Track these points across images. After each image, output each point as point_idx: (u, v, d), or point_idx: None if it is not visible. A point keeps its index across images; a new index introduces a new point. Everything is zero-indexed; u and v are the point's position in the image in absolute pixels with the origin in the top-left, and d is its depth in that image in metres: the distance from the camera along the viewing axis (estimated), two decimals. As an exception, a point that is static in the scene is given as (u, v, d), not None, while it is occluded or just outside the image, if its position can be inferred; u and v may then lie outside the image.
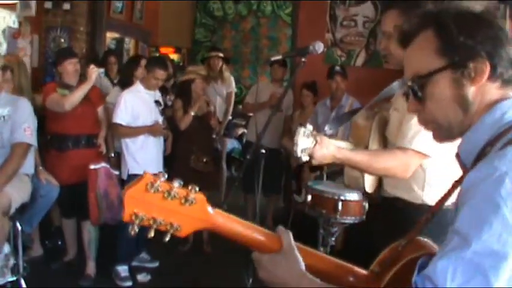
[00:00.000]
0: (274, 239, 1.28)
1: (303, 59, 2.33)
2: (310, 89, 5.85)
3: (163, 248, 5.23)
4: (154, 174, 1.13)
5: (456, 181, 1.24)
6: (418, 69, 1.18)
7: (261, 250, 1.27)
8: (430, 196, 2.19)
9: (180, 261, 5.04)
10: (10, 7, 6.06)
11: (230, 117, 6.85)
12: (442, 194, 2.17)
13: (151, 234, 1.16)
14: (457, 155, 1.21)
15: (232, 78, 6.68)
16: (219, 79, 6.29)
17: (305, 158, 1.92)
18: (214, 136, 5.43)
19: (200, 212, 1.17)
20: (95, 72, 4.28)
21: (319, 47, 2.30)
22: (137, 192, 1.11)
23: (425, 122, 1.24)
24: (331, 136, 2.07)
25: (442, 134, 1.22)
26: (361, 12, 6.80)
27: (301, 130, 1.89)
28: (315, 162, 1.96)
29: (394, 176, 2.15)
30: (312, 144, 1.91)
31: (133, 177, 4.67)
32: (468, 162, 1.14)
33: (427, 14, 1.22)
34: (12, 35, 6.09)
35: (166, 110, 5.12)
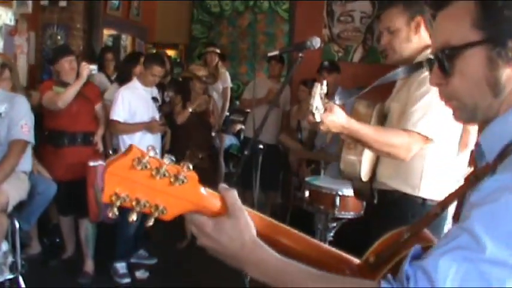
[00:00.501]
0: (216, 200, 1.08)
1: (300, 55, 2.33)
2: (308, 85, 5.85)
3: (162, 244, 5.25)
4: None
5: (469, 176, 1.12)
6: (450, 39, 1.05)
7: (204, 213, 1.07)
8: (426, 188, 2.20)
9: (178, 258, 5.05)
10: (6, 4, 6.04)
11: (228, 114, 6.86)
12: (438, 187, 2.18)
13: (150, 223, 1.02)
14: (477, 144, 1.09)
15: (227, 74, 6.71)
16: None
17: (318, 118, 1.88)
18: (213, 134, 5.46)
19: (190, 193, 1.02)
20: (86, 69, 4.30)
21: (316, 42, 2.30)
22: (121, 168, 0.95)
23: (448, 98, 1.10)
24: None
25: (465, 114, 1.09)
26: (358, 8, 6.79)
27: (319, 86, 1.86)
28: (323, 127, 1.94)
29: (395, 156, 2.13)
30: (322, 108, 1.89)
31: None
32: (490, 156, 1.01)
33: None
34: (9, 33, 6.07)
35: (163, 107, 5.13)
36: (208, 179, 4.65)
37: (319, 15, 6.95)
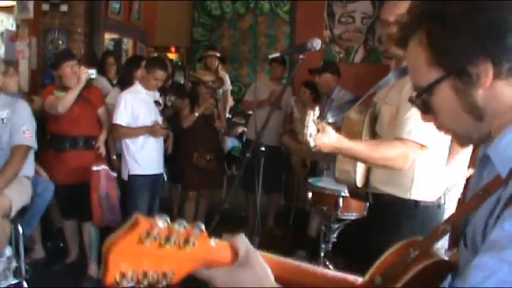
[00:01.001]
0: (224, 249, 0.99)
1: (301, 56, 2.32)
2: (309, 86, 5.85)
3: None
4: (151, 218, 0.88)
5: (479, 191, 1.06)
6: (417, 81, 1.06)
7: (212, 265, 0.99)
8: (417, 192, 2.19)
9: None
10: (8, 10, 6.06)
11: (230, 116, 6.86)
12: (430, 189, 2.18)
13: None
14: (484, 157, 1.06)
15: (227, 77, 6.74)
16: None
17: (312, 144, 1.88)
18: (220, 137, 5.50)
19: (200, 252, 0.94)
20: (84, 73, 4.30)
21: (317, 43, 2.30)
22: (128, 245, 0.86)
23: (443, 130, 1.10)
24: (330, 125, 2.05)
25: (462, 141, 1.10)
26: (359, 9, 6.80)
27: (311, 113, 1.86)
28: (314, 149, 1.93)
29: (392, 167, 2.13)
30: (315, 132, 1.88)
31: (134, 178, 4.62)
32: (502, 168, 0.98)
33: (416, 11, 1.05)
34: (10, 38, 6.09)
35: (165, 110, 5.14)
36: (215, 181, 4.68)
37: (320, 17, 6.96)
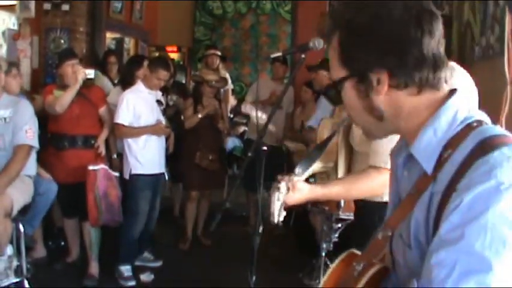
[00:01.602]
0: None
1: (303, 56, 2.31)
2: (311, 86, 5.84)
3: (166, 247, 5.25)
4: None
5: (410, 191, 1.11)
6: (332, 74, 1.16)
7: None
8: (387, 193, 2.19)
9: (183, 260, 5.05)
10: (9, 9, 6.07)
11: (231, 116, 6.86)
12: None
13: None
14: (409, 157, 1.13)
15: (228, 76, 6.71)
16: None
17: (282, 217, 1.85)
18: (224, 138, 5.49)
19: None
20: (81, 73, 4.29)
21: (319, 43, 2.28)
22: None
23: (354, 122, 1.24)
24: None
25: (367, 135, 1.22)
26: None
27: (276, 194, 1.81)
28: (288, 206, 1.90)
29: (373, 195, 2.14)
30: (284, 192, 1.84)
31: (135, 177, 4.64)
32: (427, 164, 1.05)
33: (334, 16, 1.15)
34: (12, 37, 6.10)
35: (167, 110, 5.14)
36: (216, 180, 4.68)
37: (322, 16, 6.95)
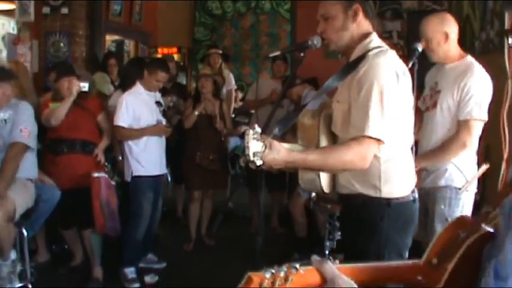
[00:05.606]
0: (313, 274, 1.16)
1: (302, 54, 2.30)
2: (311, 84, 5.83)
3: (170, 248, 5.25)
4: (260, 273, 1.08)
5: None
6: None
7: None
8: (387, 189, 2.14)
9: (187, 261, 5.04)
10: (8, 13, 6.07)
11: (232, 115, 6.84)
12: (399, 185, 2.17)
13: None
14: None
15: (231, 76, 6.70)
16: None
17: (259, 162, 1.77)
18: (222, 139, 5.46)
19: (297, 284, 1.12)
20: (75, 86, 4.28)
21: (318, 41, 2.27)
22: None
23: None
24: (282, 140, 1.98)
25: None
26: (360, 5, 6.78)
27: (250, 132, 1.75)
28: (264, 167, 1.83)
29: (353, 169, 2.07)
30: (262, 149, 1.78)
31: (137, 179, 4.61)
32: None
33: None
34: (12, 41, 6.10)
35: (167, 111, 5.12)
36: (219, 180, 4.67)
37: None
